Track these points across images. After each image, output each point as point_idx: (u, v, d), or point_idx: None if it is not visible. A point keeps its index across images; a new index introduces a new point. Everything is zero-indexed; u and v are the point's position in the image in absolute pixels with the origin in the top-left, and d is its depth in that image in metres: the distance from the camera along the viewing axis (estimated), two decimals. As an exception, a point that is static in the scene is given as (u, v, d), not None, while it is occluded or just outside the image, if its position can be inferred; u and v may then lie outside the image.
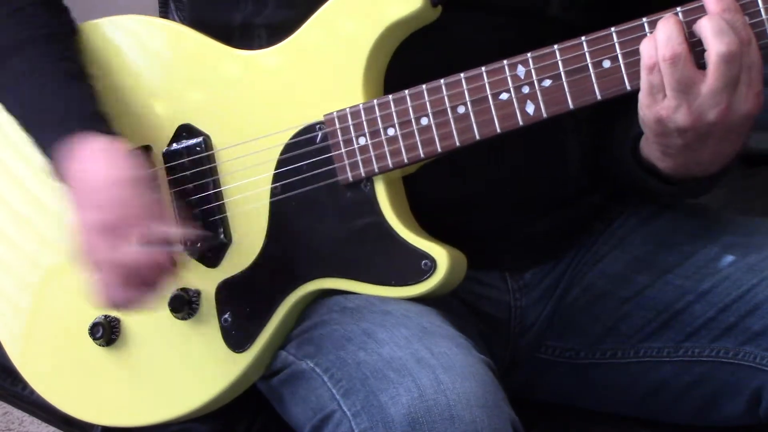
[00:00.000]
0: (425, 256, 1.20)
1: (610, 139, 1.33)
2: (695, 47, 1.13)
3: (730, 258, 1.30)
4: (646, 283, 1.33)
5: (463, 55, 1.22)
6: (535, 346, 1.39)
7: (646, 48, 1.14)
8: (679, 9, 1.14)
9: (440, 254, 1.20)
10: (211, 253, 1.28)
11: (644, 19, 1.15)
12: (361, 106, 1.23)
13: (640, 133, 1.22)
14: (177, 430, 1.43)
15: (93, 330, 1.30)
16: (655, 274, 1.33)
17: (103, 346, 1.31)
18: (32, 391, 1.42)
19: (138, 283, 1.19)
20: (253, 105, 1.28)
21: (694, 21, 1.13)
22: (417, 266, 1.20)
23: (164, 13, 1.50)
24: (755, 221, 1.36)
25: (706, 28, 1.12)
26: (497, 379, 1.16)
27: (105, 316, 1.31)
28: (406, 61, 1.24)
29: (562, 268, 1.38)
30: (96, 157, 1.22)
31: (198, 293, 1.28)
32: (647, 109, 1.16)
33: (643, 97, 1.15)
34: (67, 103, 1.27)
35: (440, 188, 1.28)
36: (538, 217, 1.35)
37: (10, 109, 1.31)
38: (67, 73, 1.29)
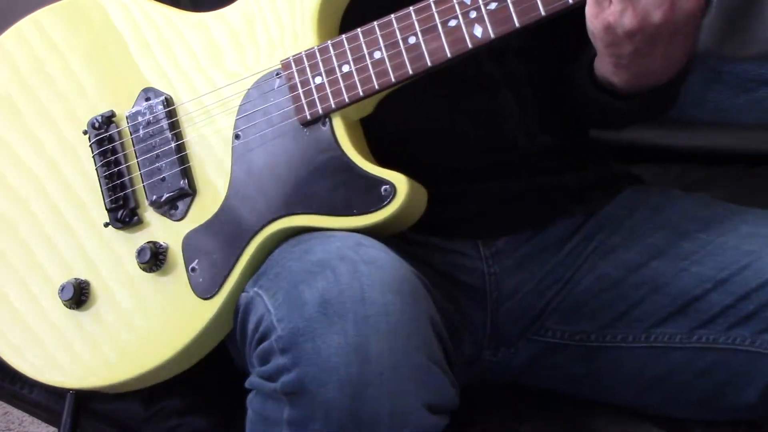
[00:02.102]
0: (384, 182, 1.21)
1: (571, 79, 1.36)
2: None
3: None
4: (662, 269, 1.33)
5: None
6: (528, 321, 1.38)
7: None
8: None
9: (399, 180, 1.21)
10: (177, 205, 1.29)
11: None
12: (315, 48, 1.26)
13: (595, 54, 1.24)
14: (175, 425, 1.42)
15: (63, 292, 1.31)
16: (670, 260, 1.33)
17: (72, 308, 1.31)
18: (31, 390, 1.42)
19: None
20: (213, 60, 1.31)
21: None
22: (377, 193, 1.21)
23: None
24: None
25: None
26: (425, 290, 1.17)
27: (75, 278, 1.31)
28: (368, 7, 1.27)
29: (544, 242, 1.38)
30: None
31: (166, 247, 1.28)
32: (594, 19, 1.18)
33: (590, 8, 1.18)
34: None
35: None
36: (492, 180, 1.36)
37: None
38: None
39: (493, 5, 1.21)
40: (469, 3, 1.21)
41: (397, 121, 1.30)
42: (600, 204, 1.40)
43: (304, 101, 1.25)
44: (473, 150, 1.35)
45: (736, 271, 1.29)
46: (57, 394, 1.37)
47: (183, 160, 1.29)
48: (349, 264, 1.12)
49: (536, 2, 1.19)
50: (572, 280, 1.37)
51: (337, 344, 1.08)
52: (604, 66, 1.24)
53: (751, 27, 1.77)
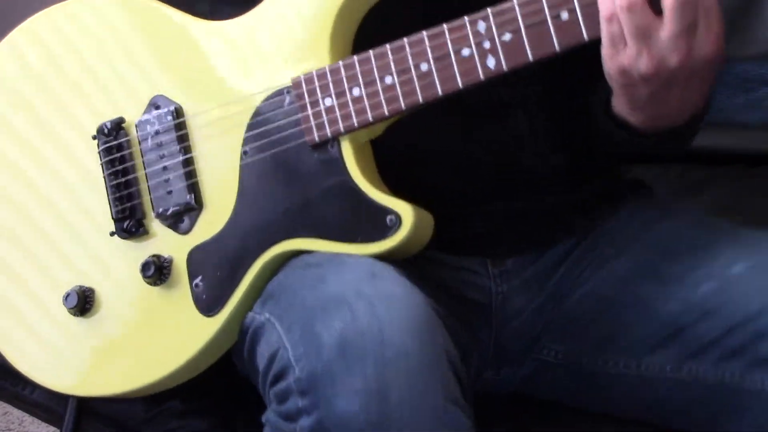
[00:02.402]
0: (390, 211, 1.21)
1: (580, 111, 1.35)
2: None
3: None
4: (649, 292, 1.31)
5: (437, 18, 1.23)
6: (530, 341, 1.39)
7: None
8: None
9: (405, 210, 1.21)
10: (183, 219, 1.30)
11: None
12: (327, 68, 1.24)
13: (611, 91, 1.23)
14: (176, 426, 1.44)
15: (67, 300, 1.31)
16: (657, 284, 1.31)
17: (76, 315, 1.32)
18: (32, 391, 1.43)
19: None
20: (224, 73, 1.30)
21: None
22: (383, 222, 1.21)
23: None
24: (760, 234, 1.32)
25: None
26: (441, 322, 1.17)
27: (79, 285, 1.32)
28: (382, 26, 1.26)
29: (548, 262, 1.39)
30: None
31: (170, 260, 1.29)
32: (610, 60, 1.17)
33: (605, 49, 1.16)
34: None
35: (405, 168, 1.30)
36: (499, 200, 1.36)
37: None
38: None
39: (507, 36, 1.20)
40: (483, 32, 1.20)
41: (408, 144, 1.29)
42: (603, 217, 1.40)
43: (313, 123, 1.25)
44: (482, 175, 1.35)
45: (723, 302, 1.26)
46: (58, 395, 1.37)
47: (191, 174, 1.29)
48: (366, 302, 1.12)
49: (551, 36, 1.18)
50: (567, 294, 1.37)
51: (357, 388, 1.08)
52: (620, 106, 1.23)
53: (751, 27, 1.76)
